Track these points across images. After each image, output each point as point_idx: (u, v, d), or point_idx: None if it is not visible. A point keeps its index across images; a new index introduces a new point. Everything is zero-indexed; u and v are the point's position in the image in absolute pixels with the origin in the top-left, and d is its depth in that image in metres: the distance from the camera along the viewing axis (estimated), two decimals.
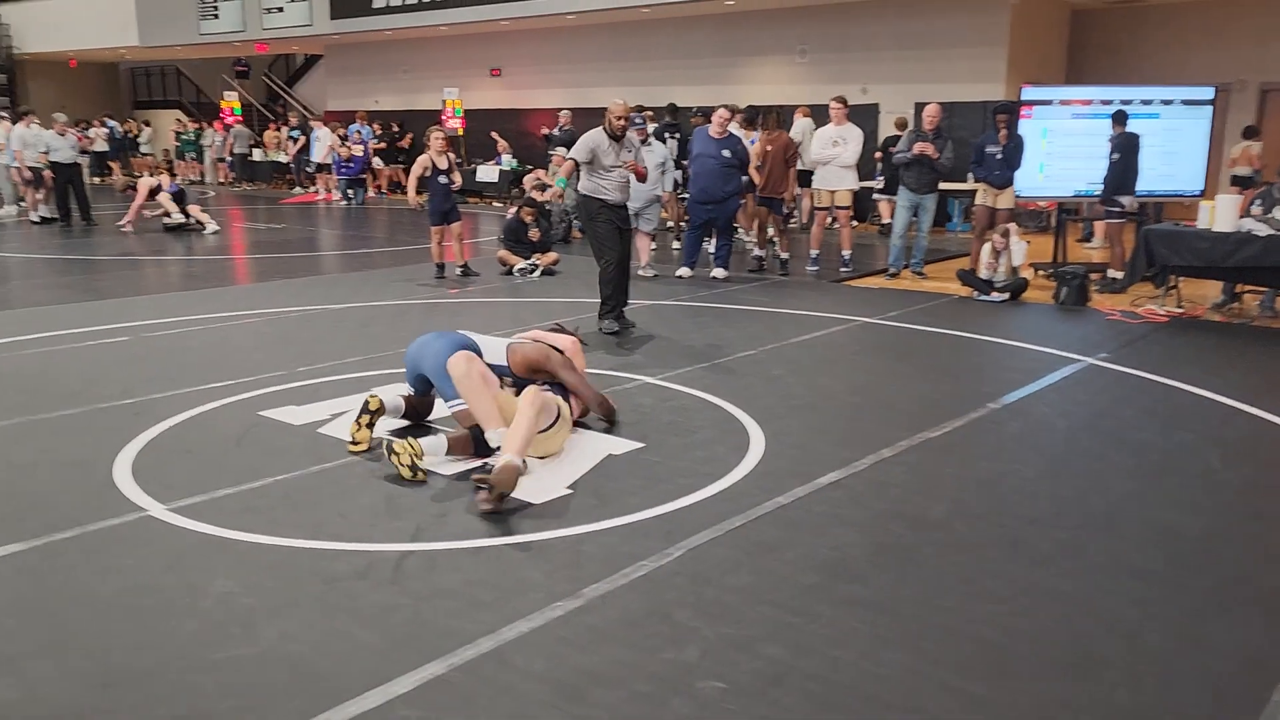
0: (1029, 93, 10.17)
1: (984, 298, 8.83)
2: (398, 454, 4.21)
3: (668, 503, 4.04)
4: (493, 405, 4.38)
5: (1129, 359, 6.61)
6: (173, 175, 21.99)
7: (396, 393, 4.97)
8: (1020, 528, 3.87)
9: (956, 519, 3.94)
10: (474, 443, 4.47)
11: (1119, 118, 9.15)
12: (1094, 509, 4.07)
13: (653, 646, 2.94)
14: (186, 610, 3.11)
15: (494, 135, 18.95)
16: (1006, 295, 8.79)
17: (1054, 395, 5.77)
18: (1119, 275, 9.16)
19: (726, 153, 9.36)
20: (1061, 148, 9.98)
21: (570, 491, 4.15)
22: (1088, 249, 12.28)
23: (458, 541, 3.65)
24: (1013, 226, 9.07)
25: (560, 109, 16.75)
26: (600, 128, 7.20)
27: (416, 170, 9.79)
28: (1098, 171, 9.49)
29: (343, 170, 18.93)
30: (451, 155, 10.07)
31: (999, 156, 9.48)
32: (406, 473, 4.22)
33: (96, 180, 24.03)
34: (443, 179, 9.70)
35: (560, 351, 4.96)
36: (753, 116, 12.05)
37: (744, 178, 9.63)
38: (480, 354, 4.70)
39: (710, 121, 9.60)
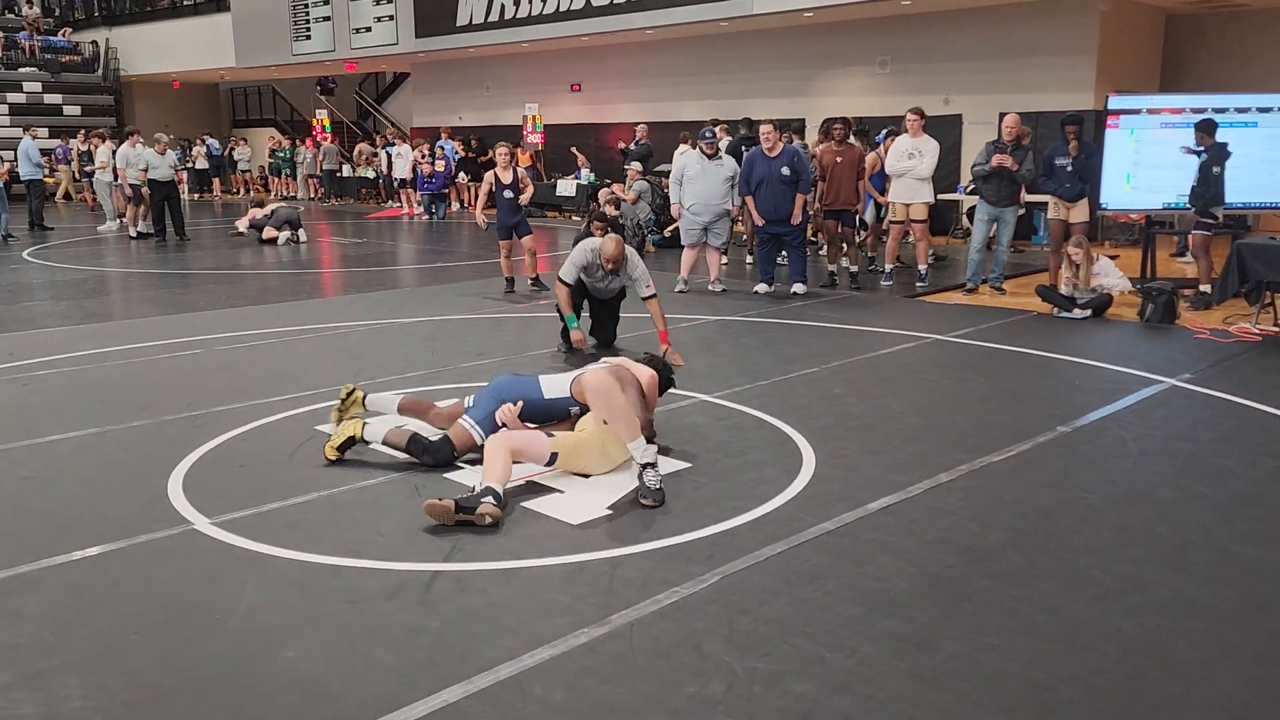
0: (1115, 102, 9.79)
1: (1065, 314, 8.51)
2: (341, 432, 4.70)
3: (709, 526, 3.94)
4: (499, 465, 4.20)
5: (1216, 380, 6.28)
6: (266, 190, 22.74)
7: (389, 425, 4.88)
8: (1080, 560, 3.67)
9: (1011, 549, 3.76)
10: (408, 445, 4.62)
11: (1206, 127, 8.73)
12: (1161, 541, 3.84)
13: (677, 679, 2.84)
14: (214, 627, 3.13)
15: (574, 151, 19.08)
16: (1089, 312, 8.45)
17: (1130, 418, 5.50)
18: (1207, 289, 8.75)
19: (785, 169, 9.24)
20: (1150, 158, 9.57)
21: (610, 513, 4.08)
22: (1181, 264, 11.78)
23: (491, 563, 3.60)
24: (1084, 239, 8.72)
25: (637, 123, 16.80)
26: (595, 250, 6.97)
27: (484, 188, 9.86)
28: (1188, 183, 9.07)
29: (425, 186, 19.25)
30: (520, 169, 10.11)
31: (1069, 169, 9.17)
32: (332, 449, 4.68)
33: (195, 197, 24.95)
34: (508, 193, 9.73)
35: (635, 378, 4.80)
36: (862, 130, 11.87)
37: (807, 194, 9.51)
38: (541, 393, 4.77)
39: (772, 139, 9.46)
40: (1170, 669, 2.94)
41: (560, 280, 7.02)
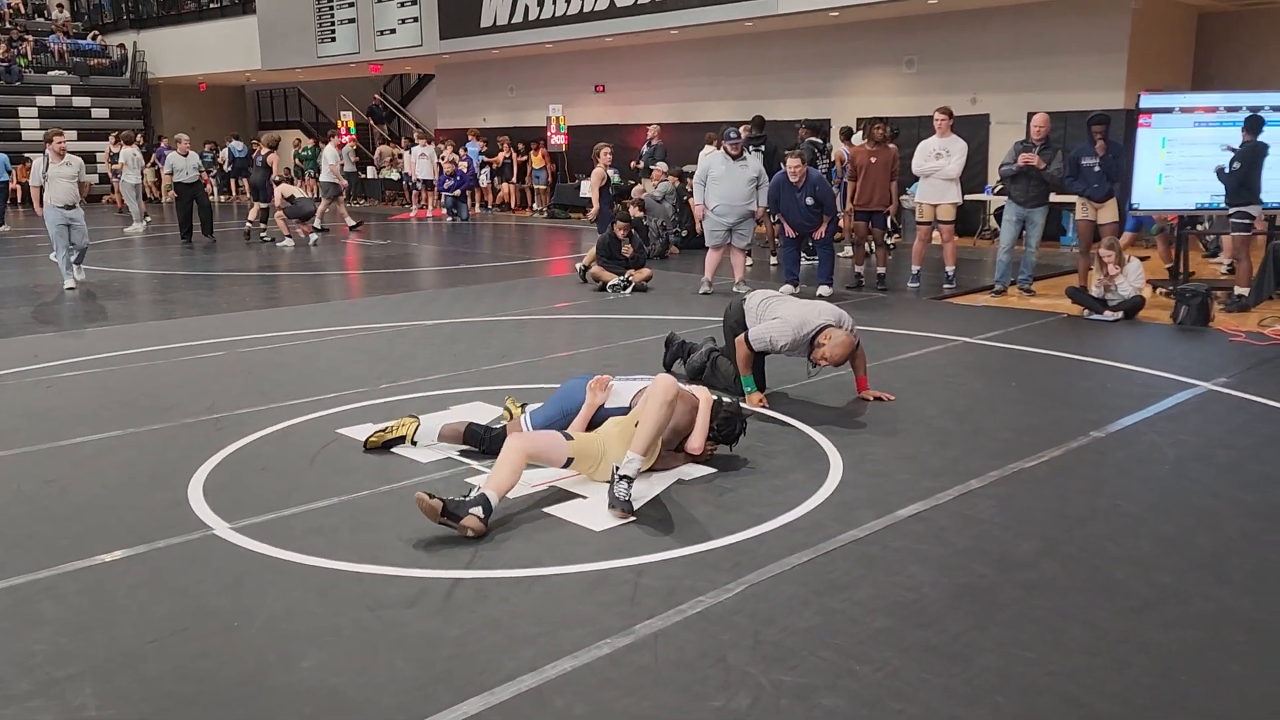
0: (1147, 100, 9.63)
1: (1096, 316, 8.37)
2: (389, 427, 4.88)
3: (735, 533, 3.87)
4: (505, 472, 4.12)
5: (1252, 384, 6.14)
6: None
7: (442, 421, 5.03)
8: (1116, 570, 3.57)
9: (1046, 559, 3.66)
10: (465, 435, 4.81)
11: (1252, 125, 8.56)
12: (1201, 550, 3.74)
13: (702, 692, 2.78)
14: (233, 636, 3.08)
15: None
16: (1120, 314, 8.31)
17: (1166, 423, 5.38)
18: (1244, 292, 8.59)
19: (809, 199, 9.18)
20: (1182, 158, 9.40)
21: (634, 519, 4.01)
22: (1215, 264, 11.59)
23: (513, 570, 3.55)
24: (1115, 240, 8.58)
25: (649, 124, 16.83)
26: (806, 334, 5.59)
27: (596, 183, 10.51)
28: (1221, 183, 8.91)
29: (447, 187, 19.24)
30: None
31: (1096, 169, 9.04)
32: (375, 438, 4.88)
33: (223, 198, 25.08)
34: (612, 190, 10.20)
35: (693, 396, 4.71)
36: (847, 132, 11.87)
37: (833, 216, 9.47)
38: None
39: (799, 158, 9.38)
40: (1212, 684, 2.84)
41: (746, 343, 5.72)
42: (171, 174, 15.44)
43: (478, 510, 3.83)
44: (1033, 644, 3.05)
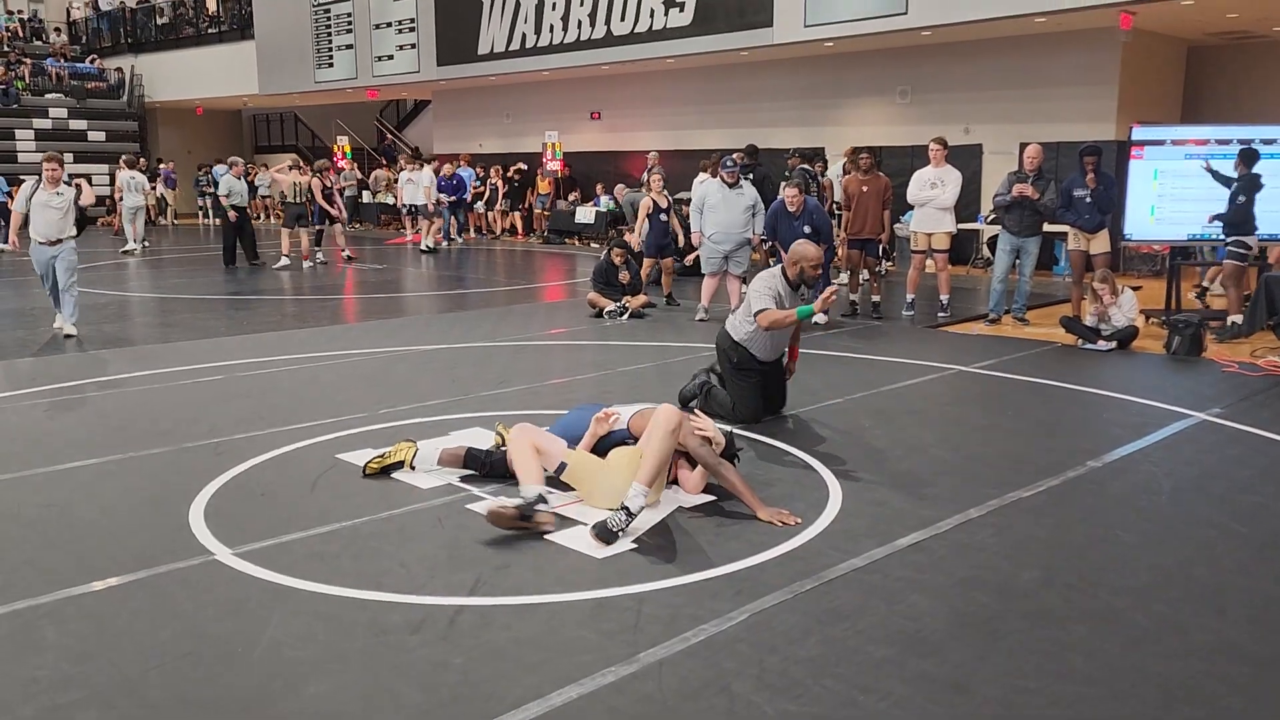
0: (1139, 132, 9.75)
1: (1090, 346, 8.43)
2: (387, 453, 4.91)
3: (736, 561, 3.88)
4: (532, 464, 4.38)
5: (1246, 415, 6.18)
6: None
7: (441, 446, 5.02)
8: (1115, 600, 3.59)
9: (1045, 588, 3.68)
10: (465, 459, 4.83)
11: (1247, 157, 8.68)
12: (1199, 582, 3.76)
13: None
14: (236, 662, 3.08)
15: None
16: (1114, 344, 8.37)
17: (1161, 453, 5.41)
18: (1237, 319, 8.67)
19: (807, 228, 9.22)
20: (1174, 189, 9.52)
21: (635, 547, 4.02)
22: (1212, 295, 11.66)
23: (516, 597, 3.55)
24: (1109, 271, 8.66)
25: (646, 151, 16.97)
26: (778, 278, 6.02)
27: (643, 211, 10.92)
28: (1214, 214, 9.02)
29: (442, 188, 19.25)
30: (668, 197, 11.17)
31: (1088, 200, 9.13)
32: (374, 464, 4.88)
33: (218, 222, 25.07)
34: (662, 216, 10.87)
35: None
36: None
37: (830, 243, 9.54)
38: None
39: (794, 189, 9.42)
40: (1214, 716, 2.85)
41: (761, 315, 5.82)
42: (229, 195, 15.37)
43: (542, 507, 4.17)
44: (1035, 674, 3.06)
